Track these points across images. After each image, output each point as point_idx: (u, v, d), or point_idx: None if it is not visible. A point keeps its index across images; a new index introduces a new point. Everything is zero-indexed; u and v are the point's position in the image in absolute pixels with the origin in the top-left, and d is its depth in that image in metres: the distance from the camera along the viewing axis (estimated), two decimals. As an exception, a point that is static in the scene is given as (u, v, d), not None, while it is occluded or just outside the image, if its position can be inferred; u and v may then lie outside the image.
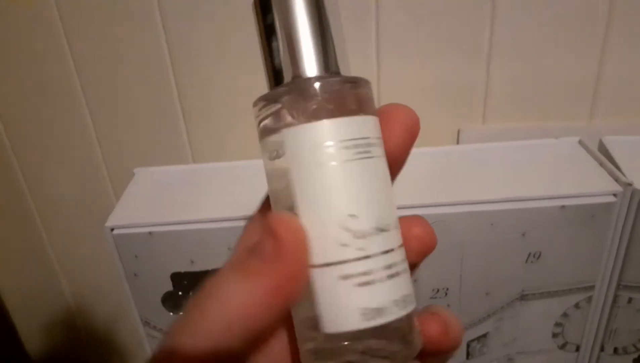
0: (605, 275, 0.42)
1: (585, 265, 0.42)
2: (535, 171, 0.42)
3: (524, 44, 0.48)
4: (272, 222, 0.18)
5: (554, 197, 0.39)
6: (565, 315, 0.44)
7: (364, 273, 0.18)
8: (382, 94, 0.51)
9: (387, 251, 0.18)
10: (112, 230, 0.39)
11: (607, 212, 0.39)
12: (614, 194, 0.39)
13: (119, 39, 0.49)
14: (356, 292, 0.18)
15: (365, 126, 0.19)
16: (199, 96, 0.52)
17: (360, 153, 0.18)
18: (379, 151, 0.19)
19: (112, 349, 0.69)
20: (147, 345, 0.45)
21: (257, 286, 0.18)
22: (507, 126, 0.52)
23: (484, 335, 0.45)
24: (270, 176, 0.20)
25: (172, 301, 0.42)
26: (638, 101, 0.51)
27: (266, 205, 0.21)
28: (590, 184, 0.40)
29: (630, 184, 0.39)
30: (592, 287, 0.43)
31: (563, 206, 0.39)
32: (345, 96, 0.19)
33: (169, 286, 0.41)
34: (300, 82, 0.19)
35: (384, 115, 0.20)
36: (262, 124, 0.19)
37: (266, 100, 0.19)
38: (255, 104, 0.20)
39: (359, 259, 0.18)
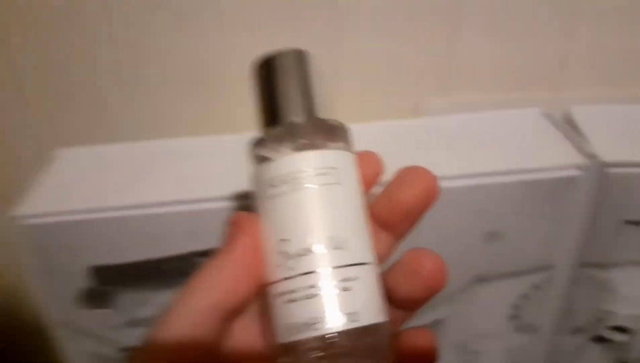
0: (566, 254, 0.40)
1: (545, 243, 0.39)
2: (494, 144, 0.39)
3: (489, 17, 0.44)
4: (231, 216, 0.22)
5: (512, 172, 0.35)
6: (523, 296, 0.41)
7: (290, 292, 0.20)
8: (344, 69, 0.46)
9: (309, 272, 0.20)
10: (19, 219, 0.33)
11: (569, 187, 0.36)
12: (578, 168, 0.36)
13: None
14: (285, 309, 0.21)
15: (318, 158, 0.22)
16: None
17: (300, 184, 0.21)
18: (332, 179, 0.22)
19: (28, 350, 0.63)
20: (67, 347, 0.39)
21: (227, 263, 0.21)
22: (471, 99, 0.49)
23: (440, 321, 0.42)
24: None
25: (91, 297, 0.37)
26: (606, 71, 0.48)
27: None
28: (552, 157, 0.36)
29: (594, 156, 0.36)
30: (551, 266, 0.40)
31: (523, 182, 0.35)
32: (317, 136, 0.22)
33: (86, 282, 0.36)
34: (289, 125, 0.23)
35: (404, 175, 0.24)
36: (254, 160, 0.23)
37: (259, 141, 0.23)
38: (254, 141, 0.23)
39: (286, 279, 0.21)
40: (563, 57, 0.45)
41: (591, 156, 0.36)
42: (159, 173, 0.36)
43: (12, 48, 0.45)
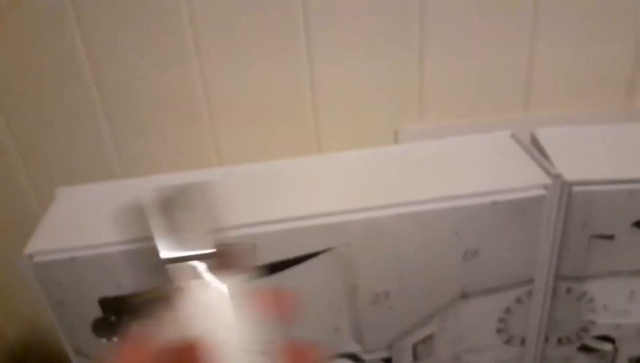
0: (542, 268, 0.42)
1: (522, 259, 0.42)
2: (466, 167, 0.42)
3: (454, 41, 0.48)
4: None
5: (484, 193, 0.38)
6: (507, 310, 0.44)
7: None
8: (318, 95, 0.50)
9: None
10: (32, 257, 0.37)
11: (537, 205, 0.39)
12: (545, 187, 0.39)
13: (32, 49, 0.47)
14: None
15: None
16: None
17: None
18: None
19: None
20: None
21: None
22: (444, 123, 0.52)
23: (429, 336, 0.44)
24: None
25: (103, 327, 0.40)
26: (571, 91, 0.51)
27: None
28: (521, 178, 0.40)
29: (559, 176, 0.39)
30: (531, 281, 0.43)
31: (494, 202, 0.38)
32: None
33: (97, 312, 0.39)
34: None
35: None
36: None
37: None
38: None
39: None
40: (528, 77, 0.49)
41: (556, 176, 0.39)
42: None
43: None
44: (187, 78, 0.49)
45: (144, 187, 0.43)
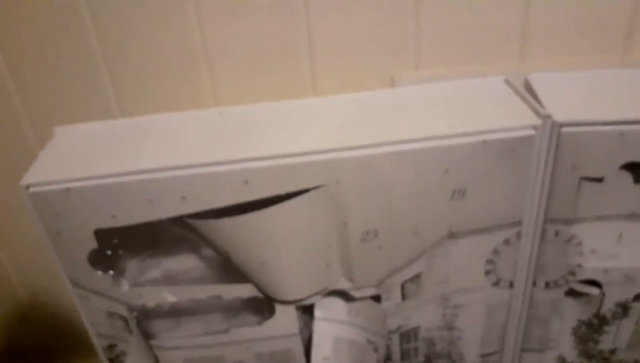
0: (531, 210, 0.43)
1: (510, 200, 0.42)
2: (458, 108, 0.42)
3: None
4: None
5: (474, 133, 0.39)
6: (495, 251, 0.45)
7: None
8: (315, 47, 0.50)
9: None
10: (28, 188, 0.38)
11: (527, 146, 0.39)
12: (534, 128, 0.39)
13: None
14: None
15: None
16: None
17: None
18: None
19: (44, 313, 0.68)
20: (79, 306, 0.44)
21: None
22: (440, 72, 0.52)
23: (418, 276, 0.45)
24: None
25: (99, 259, 0.42)
26: (567, 42, 0.51)
27: None
28: (511, 118, 0.40)
29: (549, 117, 0.39)
30: (519, 223, 0.43)
31: (484, 141, 0.39)
32: None
33: (94, 245, 0.40)
34: None
35: None
36: None
37: None
38: None
39: None
40: (525, 27, 0.49)
41: (545, 117, 0.39)
42: (150, 144, 0.41)
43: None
44: (185, 27, 0.49)
45: (136, 125, 0.44)
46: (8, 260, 0.65)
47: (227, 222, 0.40)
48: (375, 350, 0.49)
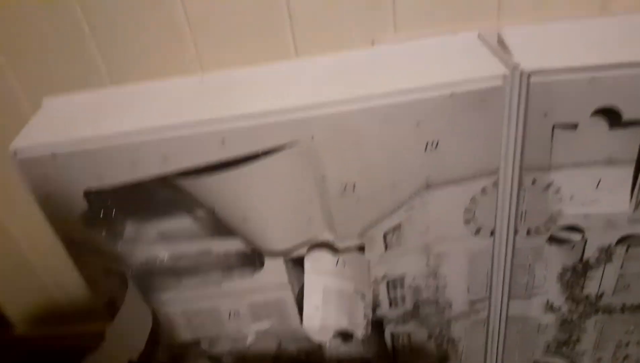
0: (507, 159, 0.44)
1: (484, 150, 0.43)
2: (430, 64, 0.43)
3: None
4: None
5: (442, 85, 0.40)
6: (473, 200, 0.46)
7: None
8: (295, 8, 0.51)
9: None
10: (15, 153, 0.40)
11: (496, 96, 0.40)
12: (503, 78, 0.39)
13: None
14: None
15: None
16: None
17: None
18: None
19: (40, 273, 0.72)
20: (80, 263, 0.47)
21: None
22: (419, 33, 0.52)
23: (398, 226, 0.47)
24: None
25: (91, 220, 0.44)
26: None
27: None
28: (479, 70, 0.40)
29: (517, 66, 0.39)
30: (495, 172, 0.44)
31: (452, 94, 0.39)
32: None
33: (84, 205, 0.43)
34: None
35: None
36: None
37: None
38: None
39: None
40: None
41: (514, 67, 0.39)
42: (132, 111, 0.43)
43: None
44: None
45: (124, 94, 0.46)
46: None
47: (208, 180, 0.42)
48: (363, 298, 0.52)
